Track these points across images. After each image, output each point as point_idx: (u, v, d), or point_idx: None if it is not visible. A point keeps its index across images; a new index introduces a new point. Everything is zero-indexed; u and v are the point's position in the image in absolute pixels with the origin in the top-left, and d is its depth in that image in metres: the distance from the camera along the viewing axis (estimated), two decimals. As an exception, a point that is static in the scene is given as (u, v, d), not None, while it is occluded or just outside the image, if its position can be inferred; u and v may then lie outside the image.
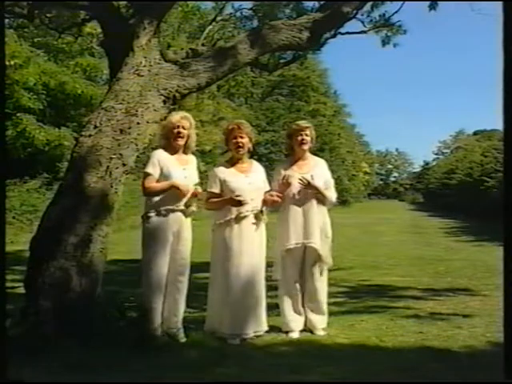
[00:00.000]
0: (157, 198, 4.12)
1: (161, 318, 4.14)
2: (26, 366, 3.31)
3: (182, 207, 4.15)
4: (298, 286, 4.54)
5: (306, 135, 4.59)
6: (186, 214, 4.19)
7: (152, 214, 4.10)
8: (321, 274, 4.55)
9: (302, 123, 4.72)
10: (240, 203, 4.22)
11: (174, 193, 4.11)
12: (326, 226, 4.56)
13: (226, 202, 4.28)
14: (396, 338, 4.30)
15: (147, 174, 4.14)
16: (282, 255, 4.50)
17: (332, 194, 4.62)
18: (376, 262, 9.32)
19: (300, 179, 4.44)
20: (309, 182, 4.44)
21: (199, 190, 4.23)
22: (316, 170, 4.61)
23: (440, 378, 3.41)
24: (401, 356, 3.87)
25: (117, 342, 3.81)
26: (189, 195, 4.15)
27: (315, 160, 4.72)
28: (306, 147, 4.61)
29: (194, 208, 4.24)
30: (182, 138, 4.22)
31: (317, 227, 4.48)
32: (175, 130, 4.20)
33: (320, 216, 4.52)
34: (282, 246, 4.49)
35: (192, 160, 4.36)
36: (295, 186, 4.48)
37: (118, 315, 4.23)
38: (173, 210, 4.11)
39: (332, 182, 4.69)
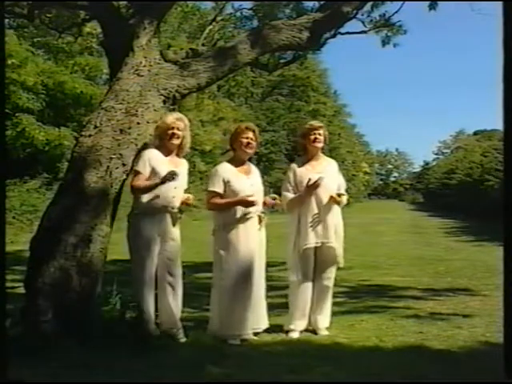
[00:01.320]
0: (145, 198, 4.09)
1: (155, 318, 4.14)
2: (26, 366, 3.31)
3: (170, 209, 4.13)
4: (310, 287, 4.53)
5: (320, 134, 4.60)
6: (172, 217, 4.16)
7: (139, 213, 4.10)
8: (332, 274, 4.58)
9: (315, 123, 4.74)
10: (252, 204, 4.22)
11: (161, 193, 4.07)
12: (339, 227, 4.59)
13: (236, 202, 4.24)
14: (396, 337, 4.30)
15: (137, 173, 4.11)
16: (299, 256, 4.48)
17: (345, 195, 4.65)
18: (376, 262, 9.32)
19: (331, 196, 4.48)
20: (333, 197, 4.49)
21: (191, 198, 4.21)
22: (329, 170, 4.62)
23: (440, 378, 3.41)
24: (401, 356, 3.87)
25: (117, 341, 3.81)
26: (177, 196, 4.14)
27: (327, 160, 4.75)
28: (319, 145, 4.61)
29: (180, 215, 4.23)
30: (177, 138, 4.21)
31: (332, 227, 4.51)
32: (170, 132, 4.17)
33: (335, 217, 4.55)
34: (299, 247, 4.47)
35: (183, 164, 4.33)
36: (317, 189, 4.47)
37: (117, 315, 4.23)
38: (160, 211, 4.10)
39: (344, 183, 4.74)
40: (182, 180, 4.23)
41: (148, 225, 4.08)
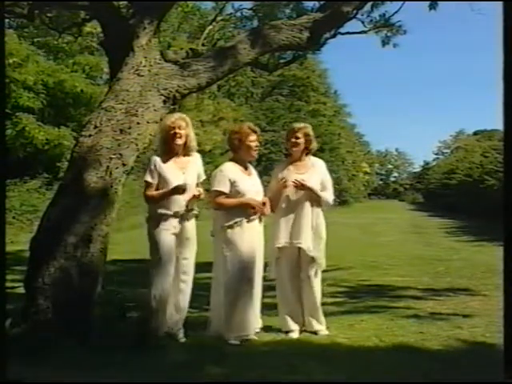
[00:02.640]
0: (157, 205, 4.14)
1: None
2: (26, 366, 3.31)
3: (183, 212, 4.14)
4: (292, 286, 4.53)
5: (296, 137, 4.58)
6: (187, 218, 4.19)
7: (153, 218, 4.13)
8: (315, 274, 4.54)
9: (295, 125, 4.70)
10: (259, 207, 4.23)
11: (175, 197, 4.11)
12: (319, 227, 4.53)
13: (246, 203, 4.24)
14: (396, 337, 4.30)
15: (147, 184, 4.17)
16: (275, 255, 4.51)
17: (328, 196, 4.59)
18: (376, 262, 9.32)
19: (293, 181, 4.44)
20: (302, 184, 4.43)
21: (201, 191, 4.22)
22: (312, 171, 4.60)
23: (440, 378, 3.41)
24: (401, 356, 3.87)
25: (117, 341, 3.82)
26: (188, 197, 4.15)
27: (313, 160, 4.70)
28: (295, 149, 4.59)
29: (195, 211, 4.24)
30: (180, 138, 4.21)
31: (308, 228, 4.47)
32: (172, 132, 4.18)
33: (313, 217, 4.51)
34: (273, 245, 4.50)
35: (192, 161, 4.32)
36: (289, 187, 4.49)
37: (118, 315, 4.24)
38: (173, 216, 4.12)
39: (330, 182, 4.66)
40: (191, 180, 4.22)
41: (163, 229, 4.10)
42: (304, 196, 4.48)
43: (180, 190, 4.08)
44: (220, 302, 4.26)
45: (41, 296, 3.83)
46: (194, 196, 4.18)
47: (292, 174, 4.52)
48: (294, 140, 4.58)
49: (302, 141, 4.59)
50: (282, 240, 4.47)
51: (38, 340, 3.63)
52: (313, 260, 4.49)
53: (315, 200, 4.52)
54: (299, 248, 4.48)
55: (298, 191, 4.47)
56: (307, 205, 4.49)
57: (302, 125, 4.71)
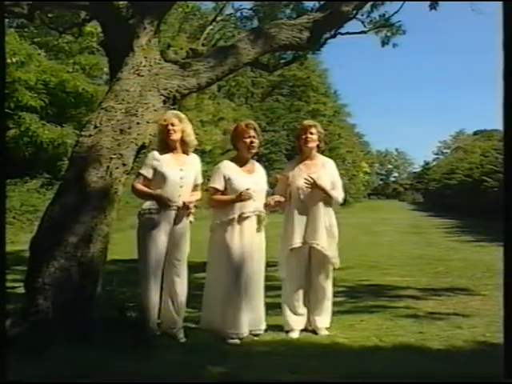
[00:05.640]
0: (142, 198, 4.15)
1: (159, 318, 4.15)
2: (26, 366, 3.31)
3: (176, 207, 4.13)
4: (301, 285, 4.53)
5: (311, 133, 4.57)
6: (180, 216, 4.17)
7: (145, 211, 4.13)
8: (327, 274, 4.55)
9: (306, 122, 4.72)
10: (249, 197, 4.19)
11: (167, 191, 4.10)
12: (332, 227, 4.54)
13: (236, 198, 4.20)
14: (396, 338, 4.30)
15: (139, 175, 4.17)
16: (286, 254, 4.50)
17: (338, 195, 4.59)
18: (376, 262, 9.31)
19: (305, 179, 4.43)
20: (314, 182, 4.43)
21: (198, 194, 4.21)
22: (322, 170, 4.59)
23: (440, 378, 3.41)
24: (401, 356, 3.87)
25: (116, 341, 3.81)
26: (183, 194, 4.14)
27: (322, 160, 4.69)
28: (310, 145, 4.57)
29: (191, 210, 4.22)
30: (174, 133, 4.20)
31: (322, 228, 4.47)
32: (165, 129, 4.19)
33: (326, 217, 4.51)
34: (286, 246, 4.49)
35: (192, 160, 4.32)
36: (301, 186, 4.48)
37: (117, 315, 4.23)
38: (165, 209, 4.11)
39: (340, 182, 4.66)
40: (189, 178, 4.22)
41: (154, 222, 4.10)
42: (317, 196, 4.47)
43: (166, 201, 4.08)
44: (212, 296, 4.26)
45: (41, 296, 3.83)
46: (184, 206, 4.14)
47: (302, 173, 4.51)
48: (307, 136, 4.55)
49: (315, 137, 4.59)
50: (297, 241, 4.44)
51: (37, 340, 3.63)
52: (326, 260, 4.50)
53: (327, 200, 4.51)
54: (310, 248, 4.48)
55: (311, 191, 4.45)
56: (320, 205, 4.48)
57: (313, 122, 4.72)
